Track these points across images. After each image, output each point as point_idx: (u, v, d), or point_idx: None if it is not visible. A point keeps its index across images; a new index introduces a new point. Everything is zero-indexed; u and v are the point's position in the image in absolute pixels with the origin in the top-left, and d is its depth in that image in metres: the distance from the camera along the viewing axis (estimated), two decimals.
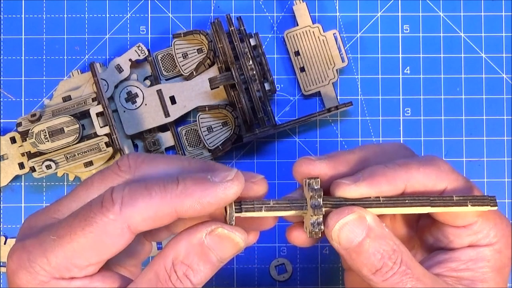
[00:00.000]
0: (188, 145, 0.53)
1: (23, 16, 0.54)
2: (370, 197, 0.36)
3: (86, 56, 0.54)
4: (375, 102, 0.54)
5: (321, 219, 0.35)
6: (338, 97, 0.54)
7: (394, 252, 0.36)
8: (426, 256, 0.41)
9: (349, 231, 0.35)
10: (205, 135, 0.52)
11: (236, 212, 0.35)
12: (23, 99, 0.54)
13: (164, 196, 0.33)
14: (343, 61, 0.53)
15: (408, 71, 0.55)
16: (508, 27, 0.55)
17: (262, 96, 0.51)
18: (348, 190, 0.36)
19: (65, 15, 0.54)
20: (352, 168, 0.38)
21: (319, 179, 0.36)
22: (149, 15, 0.55)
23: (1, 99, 0.54)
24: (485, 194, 0.37)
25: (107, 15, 0.55)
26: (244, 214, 0.35)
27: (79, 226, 0.33)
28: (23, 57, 0.54)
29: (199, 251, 0.34)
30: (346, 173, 0.37)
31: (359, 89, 0.54)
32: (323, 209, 0.35)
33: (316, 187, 0.36)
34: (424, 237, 0.41)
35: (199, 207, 0.33)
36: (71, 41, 0.54)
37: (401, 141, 0.54)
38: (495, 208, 0.37)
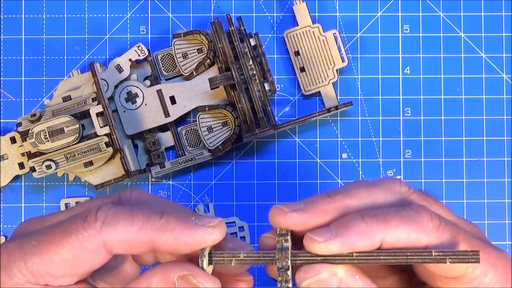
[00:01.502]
0: (188, 145, 0.53)
1: (23, 16, 0.54)
2: (342, 253, 0.34)
3: (86, 56, 0.54)
4: (375, 102, 0.54)
5: (289, 277, 0.35)
6: (338, 97, 0.54)
7: None
8: None
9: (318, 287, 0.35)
10: (205, 135, 0.52)
11: (205, 264, 0.35)
12: (23, 99, 0.54)
13: (144, 225, 0.34)
14: (343, 61, 0.53)
15: (408, 71, 0.55)
16: (508, 27, 0.55)
17: (262, 96, 0.51)
18: (319, 248, 0.34)
19: (65, 15, 0.54)
20: (330, 219, 0.35)
21: (288, 236, 0.35)
22: (149, 15, 0.55)
23: (1, 99, 0.54)
24: (468, 250, 0.34)
25: (107, 15, 0.55)
26: (212, 266, 0.35)
27: (59, 236, 0.34)
28: (23, 57, 0.54)
29: None
30: (322, 224, 0.35)
31: (359, 89, 0.54)
32: (289, 271, 0.35)
33: (284, 245, 0.35)
34: (410, 271, 0.39)
35: (175, 244, 0.34)
36: (71, 41, 0.54)
37: (401, 141, 0.54)
38: (477, 264, 0.34)
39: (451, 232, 0.35)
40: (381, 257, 0.34)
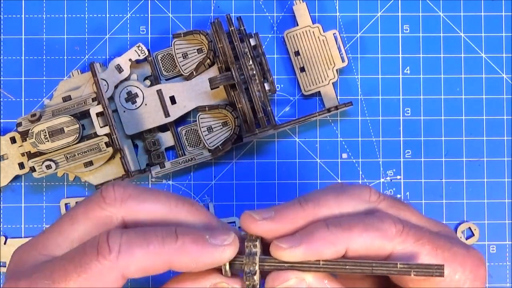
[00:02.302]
0: (188, 145, 0.53)
1: (23, 16, 0.54)
2: (309, 261, 0.35)
3: (86, 56, 0.54)
4: (375, 102, 0.54)
5: (257, 282, 0.35)
6: (338, 97, 0.54)
7: None
8: None
9: None
10: (205, 135, 0.52)
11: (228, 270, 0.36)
12: (23, 99, 0.54)
13: (161, 250, 0.34)
14: (343, 61, 0.53)
15: (408, 71, 0.55)
16: (508, 27, 0.55)
17: (262, 96, 0.51)
18: (284, 254, 0.35)
19: (65, 15, 0.54)
20: (298, 227, 0.36)
21: (257, 242, 0.36)
22: (149, 15, 0.55)
23: (1, 99, 0.54)
24: (432, 263, 0.35)
25: (107, 15, 0.55)
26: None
27: (74, 272, 0.34)
28: (23, 57, 0.54)
29: None
30: (291, 232, 0.36)
31: (359, 89, 0.54)
32: (256, 276, 0.35)
33: (252, 251, 0.36)
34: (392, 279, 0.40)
35: (194, 266, 0.34)
36: (71, 41, 0.54)
37: (401, 141, 0.54)
38: (441, 277, 0.35)
39: (415, 236, 0.36)
40: (347, 266, 0.35)
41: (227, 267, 0.35)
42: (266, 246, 0.36)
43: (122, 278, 0.34)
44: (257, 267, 0.35)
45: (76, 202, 0.53)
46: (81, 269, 0.33)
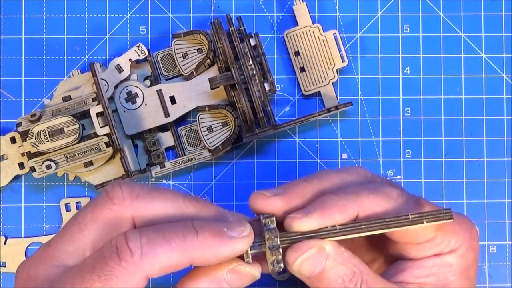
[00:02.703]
0: (188, 145, 0.53)
1: (23, 16, 0.54)
2: (326, 227, 0.37)
3: (86, 56, 0.54)
4: (375, 102, 0.54)
5: (280, 257, 0.36)
6: (338, 97, 0.54)
7: (354, 274, 0.37)
8: (390, 265, 0.42)
9: (309, 264, 0.36)
10: (205, 135, 0.52)
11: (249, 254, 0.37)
12: (23, 99, 0.54)
13: (183, 248, 0.34)
14: (343, 61, 0.53)
15: (408, 71, 0.55)
16: (508, 27, 0.55)
17: (262, 96, 0.51)
18: (301, 224, 0.36)
19: (65, 15, 0.54)
20: (308, 201, 0.38)
21: (274, 218, 0.37)
22: (149, 15, 0.55)
23: (1, 99, 0.54)
24: (442, 208, 0.38)
25: (107, 15, 0.55)
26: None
27: (98, 281, 0.33)
28: (23, 57, 0.54)
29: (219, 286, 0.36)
30: (301, 206, 0.38)
31: (359, 89, 0.54)
32: (280, 249, 0.36)
33: (271, 226, 0.36)
34: (387, 251, 0.42)
35: (215, 260, 0.35)
36: (71, 41, 0.54)
37: (401, 141, 0.54)
38: (451, 220, 0.37)
39: (414, 198, 0.39)
40: (363, 226, 0.36)
41: (249, 252, 0.36)
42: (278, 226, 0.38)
43: (145, 279, 0.34)
44: (279, 241, 0.36)
45: (76, 202, 0.53)
46: (105, 277, 0.33)
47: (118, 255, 0.33)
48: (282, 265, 0.37)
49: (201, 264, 0.35)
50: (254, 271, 0.37)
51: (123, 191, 0.36)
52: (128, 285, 0.33)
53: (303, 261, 0.36)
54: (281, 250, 0.36)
